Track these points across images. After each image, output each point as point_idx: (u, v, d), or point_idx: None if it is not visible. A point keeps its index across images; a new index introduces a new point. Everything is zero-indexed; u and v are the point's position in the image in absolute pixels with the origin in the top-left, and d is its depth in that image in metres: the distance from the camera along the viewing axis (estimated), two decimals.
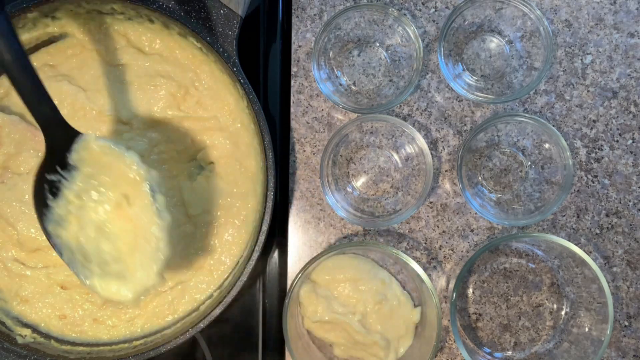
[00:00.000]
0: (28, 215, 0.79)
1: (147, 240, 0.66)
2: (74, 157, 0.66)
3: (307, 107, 0.85)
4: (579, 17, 0.83)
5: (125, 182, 0.67)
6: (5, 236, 0.80)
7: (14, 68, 0.61)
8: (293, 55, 0.86)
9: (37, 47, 0.83)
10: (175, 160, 0.82)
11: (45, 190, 0.67)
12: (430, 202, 0.84)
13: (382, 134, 0.84)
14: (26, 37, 0.81)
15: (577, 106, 0.83)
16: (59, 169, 0.66)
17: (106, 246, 0.67)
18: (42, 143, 0.80)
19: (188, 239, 0.83)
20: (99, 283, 0.68)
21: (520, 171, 0.83)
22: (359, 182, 0.85)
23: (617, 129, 0.82)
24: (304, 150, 0.85)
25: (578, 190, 0.83)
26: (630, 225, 0.82)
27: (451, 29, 0.81)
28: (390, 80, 0.84)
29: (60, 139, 0.66)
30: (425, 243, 0.83)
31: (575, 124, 0.83)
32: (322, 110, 0.85)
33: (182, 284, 0.81)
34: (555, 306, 0.83)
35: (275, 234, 0.86)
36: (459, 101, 0.84)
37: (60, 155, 0.66)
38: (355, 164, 0.85)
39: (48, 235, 0.68)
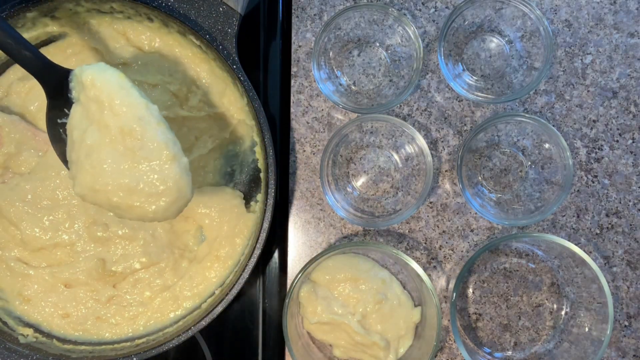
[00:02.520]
0: (31, 214, 0.80)
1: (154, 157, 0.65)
2: (74, 94, 0.66)
3: (307, 107, 0.85)
4: (579, 17, 0.82)
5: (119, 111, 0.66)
6: (8, 236, 0.81)
7: None
8: (293, 55, 0.85)
9: (36, 47, 0.82)
10: None
11: (62, 134, 0.67)
12: (430, 202, 0.84)
13: (382, 134, 0.84)
14: (25, 36, 0.80)
15: (577, 106, 0.83)
16: (67, 111, 0.66)
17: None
18: (43, 142, 0.81)
19: (190, 236, 0.83)
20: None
21: (520, 171, 0.83)
22: (359, 182, 0.85)
23: (617, 129, 0.82)
24: (304, 150, 0.85)
25: (578, 190, 0.83)
26: (630, 225, 0.82)
27: (451, 29, 0.81)
28: (390, 80, 0.84)
29: (55, 81, 0.67)
30: (425, 243, 0.84)
31: (575, 124, 0.83)
32: (322, 110, 0.85)
33: (183, 281, 0.81)
34: (555, 306, 0.83)
35: (276, 234, 0.86)
36: (459, 101, 0.84)
37: (63, 97, 0.66)
38: (355, 164, 0.85)
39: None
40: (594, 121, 0.82)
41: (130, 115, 0.63)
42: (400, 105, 0.84)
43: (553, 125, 0.80)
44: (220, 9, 0.76)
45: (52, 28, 0.82)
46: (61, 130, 0.67)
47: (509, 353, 0.83)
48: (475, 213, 0.83)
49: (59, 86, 0.66)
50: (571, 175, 0.78)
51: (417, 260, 0.84)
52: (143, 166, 0.63)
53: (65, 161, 0.67)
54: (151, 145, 0.63)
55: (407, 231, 0.84)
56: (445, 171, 0.84)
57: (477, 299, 0.83)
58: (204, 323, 0.75)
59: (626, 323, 0.82)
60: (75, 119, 0.65)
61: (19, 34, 0.65)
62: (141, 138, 0.63)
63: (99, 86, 0.63)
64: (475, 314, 0.83)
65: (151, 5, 0.75)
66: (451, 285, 0.82)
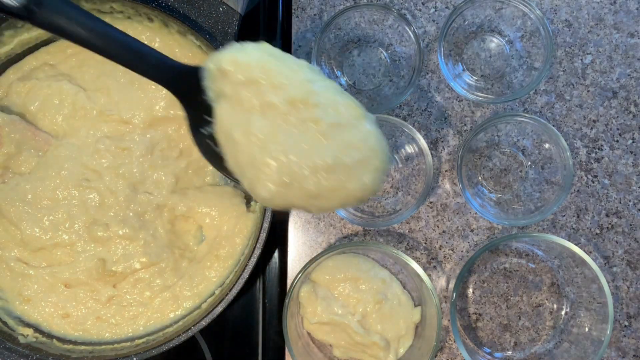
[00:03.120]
0: (31, 214, 0.80)
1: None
2: (210, 94, 0.55)
3: None
4: (579, 17, 0.83)
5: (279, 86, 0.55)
6: (8, 236, 0.81)
7: (94, 40, 0.54)
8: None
9: (36, 47, 0.83)
10: (178, 160, 0.83)
11: (211, 145, 0.57)
12: (430, 202, 0.84)
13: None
14: (26, 36, 0.81)
15: (577, 106, 0.83)
16: (207, 117, 0.56)
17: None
18: (43, 142, 0.81)
19: (191, 236, 0.83)
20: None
21: (520, 171, 0.83)
22: None
23: (617, 129, 0.82)
24: None
25: (578, 190, 0.83)
26: (630, 225, 0.82)
27: (451, 29, 0.81)
28: (390, 80, 0.84)
29: (187, 86, 0.57)
30: (425, 243, 0.84)
31: (575, 124, 0.83)
32: None
33: (183, 281, 0.81)
34: (555, 306, 0.83)
35: (276, 234, 0.86)
36: (459, 101, 0.84)
37: (197, 102, 0.56)
38: None
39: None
40: (594, 121, 0.82)
41: (297, 82, 0.52)
42: (400, 105, 0.84)
43: (553, 125, 0.80)
44: (220, 9, 0.76)
45: None
46: (209, 141, 0.57)
47: (509, 353, 0.83)
48: (475, 213, 0.83)
49: (190, 91, 0.56)
50: (571, 175, 0.78)
51: (417, 260, 0.83)
52: (333, 134, 0.52)
53: (228, 174, 0.57)
54: (332, 107, 0.52)
55: (407, 231, 0.84)
56: (445, 171, 0.84)
57: (477, 299, 0.83)
58: (204, 323, 0.75)
59: (626, 323, 0.82)
60: (227, 117, 0.54)
61: (137, 40, 0.55)
62: (317, 103, 0.52)
63: (246, 65, 0.53)
64: (475, 314, 0.83)
65: (151, 5, 0.75)
66: (451, 285, 0.82)
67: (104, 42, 0.54)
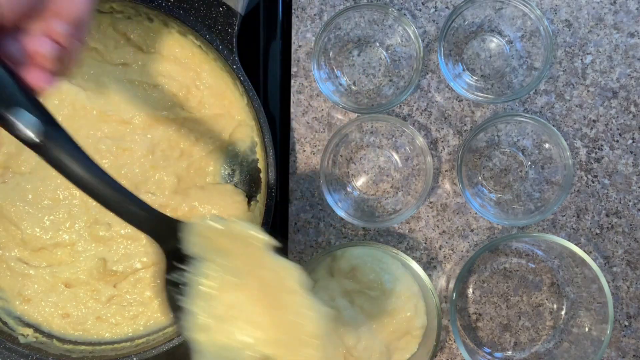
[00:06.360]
0: (32, 214, 0.80)
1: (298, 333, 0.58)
2: (189, 250, 0.58)
3: (307, 107, 0.85)
4: (579, 17, 0.82)
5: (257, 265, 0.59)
6: (9, 236, 0.81)
7: (82, 179, 0.55)
8: (293, 55, 0.85)
9: None
10: (179, 160, 0.83)
11: (173, 292, 0.59)
12: (430, 202, 0.84)
13: (382, 134, 0.84)
14: None
15: (577, 106, 0.83)
16: (177, 264, 0.58)
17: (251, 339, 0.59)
18: None
19: None
20: None
21: (520, 171, 0.83)
22: (359, 182, 0.85)
23: (617, 129, 0.82)
24: (304, 150, 0.85)
25: (578, 190, 0.83)
26: (630, 225, 0.82)
27: (451, 29, 0.80)
28: (390, 80, 0.84)
29: (165, 234, 0.59)
30: (425, 243, 0.84)
31: (575, 124, 0.83)
32: (322, 110, 0.85)
33: None
34: (555, 306, 0.83)
35: (276, 234, 0.85)
36: (459, 101, 0.84)
37: (174, 251, 0.58)
38: (355, 164, 0.85)
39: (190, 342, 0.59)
40: (594, 121, 0.82)
41: None
42: (400, 105, 0.84)
43: (553, 125, 0.80)
44: (220, 9, 0.76)
45: None
46: (169, 286, 0.60)
47: (509, 353, 0.83)
48: (475, 213, 0.83)
49: (169, 239, 0.59)
50: (571, 175, 0.78)
51: (417, 260, 0.83)
52: None
53: (178, 321, 0.59)
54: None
55: (407, 231, 0.84)
56: (445, 171, 0.84)
57: (477, 299, 0.83)
58: None
59: (626, 323, 0.82)
60: None
61: (121, 185, 0.57)
62: None
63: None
64: (475, 314, 0.83)
65: (151, 5, 0.75)
66: (451, 285, 0.82)
67: (98, 188, 0.56)
